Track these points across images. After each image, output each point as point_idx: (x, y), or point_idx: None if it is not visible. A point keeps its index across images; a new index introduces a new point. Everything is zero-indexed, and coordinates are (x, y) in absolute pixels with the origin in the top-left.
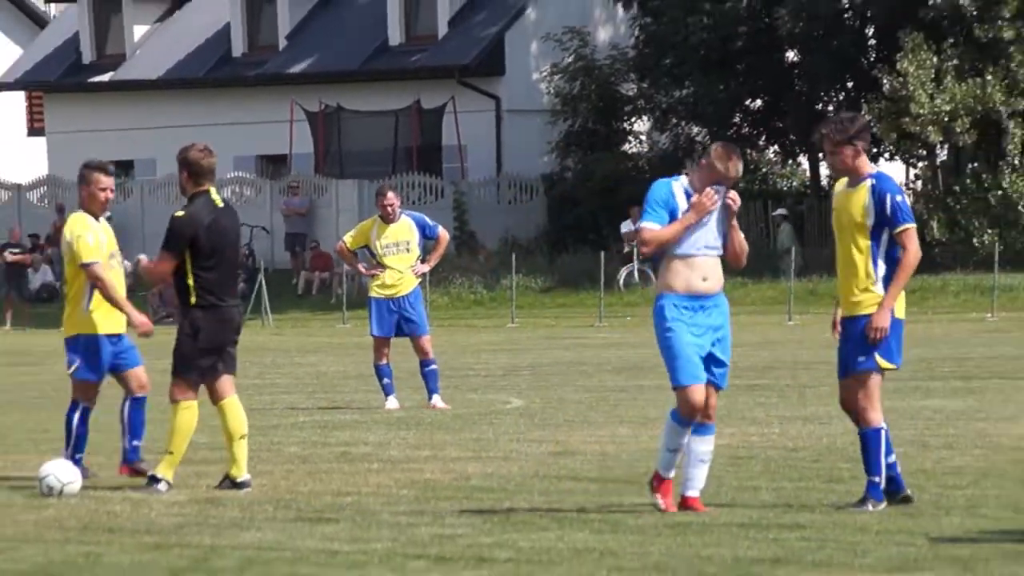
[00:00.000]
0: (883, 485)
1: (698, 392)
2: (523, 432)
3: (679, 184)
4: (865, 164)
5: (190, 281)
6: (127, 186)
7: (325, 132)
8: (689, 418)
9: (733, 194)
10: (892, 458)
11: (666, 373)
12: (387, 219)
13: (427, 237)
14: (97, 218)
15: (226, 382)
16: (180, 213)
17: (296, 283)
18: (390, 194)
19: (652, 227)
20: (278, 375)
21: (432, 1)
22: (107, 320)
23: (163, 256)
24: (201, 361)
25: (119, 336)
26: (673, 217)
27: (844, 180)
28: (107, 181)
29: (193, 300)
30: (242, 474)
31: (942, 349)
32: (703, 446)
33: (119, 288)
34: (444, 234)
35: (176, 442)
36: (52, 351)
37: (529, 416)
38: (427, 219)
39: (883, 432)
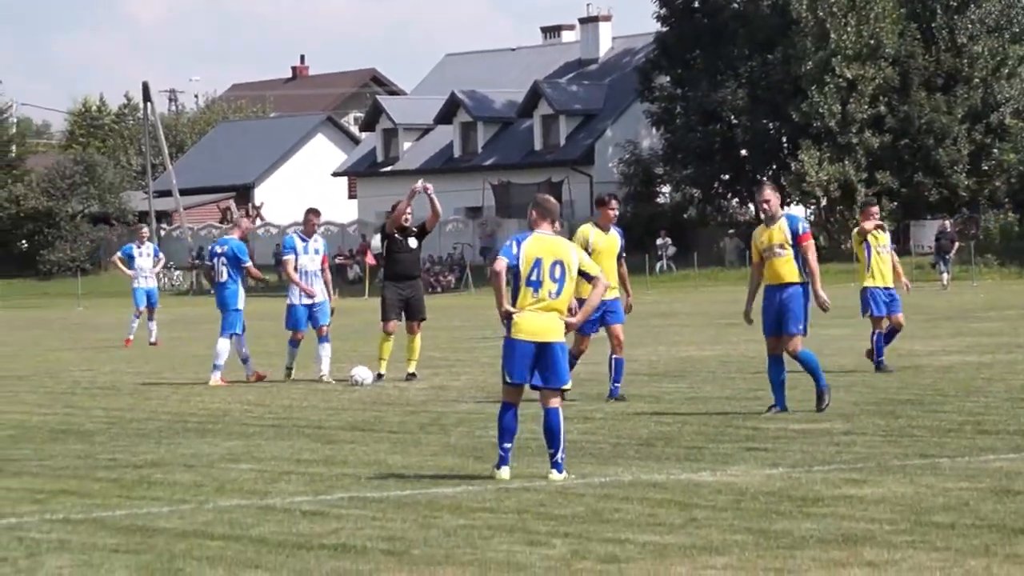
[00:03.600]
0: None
1: None
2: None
3: None
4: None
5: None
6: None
7: (501, 195)
8: None
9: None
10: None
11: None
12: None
13: None
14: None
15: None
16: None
17: (487, 272)
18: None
19: None
20: (476, 318)
21: (557, 128)
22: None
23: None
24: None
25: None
26: None
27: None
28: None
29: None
30: (412, 367)
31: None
32: None
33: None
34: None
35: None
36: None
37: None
38: None
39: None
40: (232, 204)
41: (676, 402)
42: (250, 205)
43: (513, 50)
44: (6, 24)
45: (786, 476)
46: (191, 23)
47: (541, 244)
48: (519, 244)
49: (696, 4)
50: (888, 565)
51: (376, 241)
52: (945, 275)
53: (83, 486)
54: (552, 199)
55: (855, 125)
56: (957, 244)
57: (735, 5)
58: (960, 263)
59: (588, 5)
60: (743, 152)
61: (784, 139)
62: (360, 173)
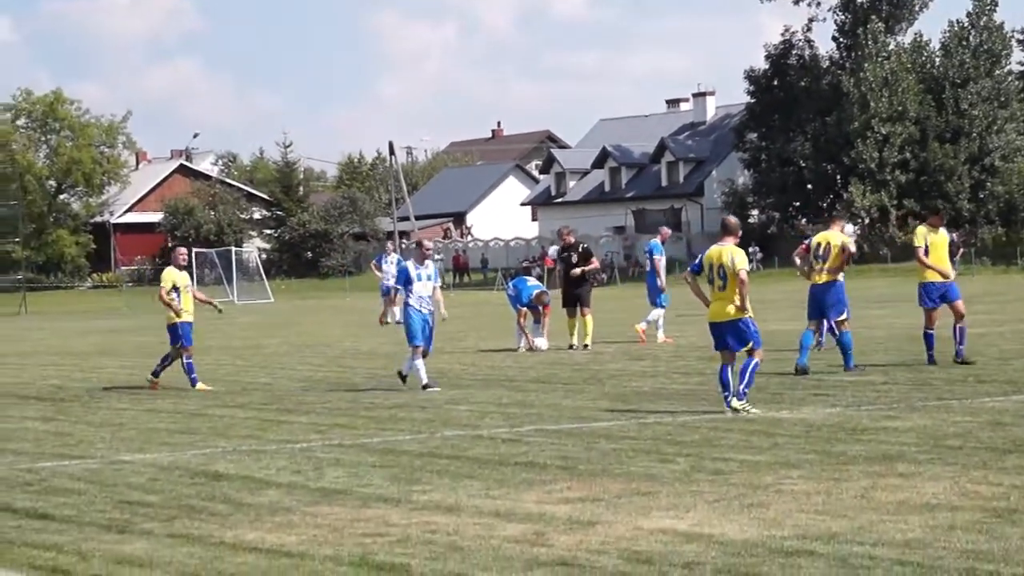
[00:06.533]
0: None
1: None
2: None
3: None
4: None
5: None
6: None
7: (638, 218)
8: None
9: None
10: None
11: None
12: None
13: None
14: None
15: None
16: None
17: (628, 271)
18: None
19: None
20: (621, 306)
21: (678, 170)
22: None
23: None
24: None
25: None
26: None
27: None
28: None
29: None
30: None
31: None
32: None
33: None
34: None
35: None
36: None
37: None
38: None
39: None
40: (451, 225)
41: (764, 363)
42: (464, 226)
43: (646, 116)
44: (298, 100)
45: (841, 413)
46: (422, 97)
47: (713, 253)
48: (701, 256)
49: (775, 83)
50: (914, 476)
51: (552, 251)
52: (953, 273)
53: (351, 421)
54: (734, 220)
55: (888, 167)
56: (961, 250)
57: (802, 83)
58: (963, 263)
59: (699, 84)
60: (808, 186)
61: (838, 177)
62: (540, 203)
